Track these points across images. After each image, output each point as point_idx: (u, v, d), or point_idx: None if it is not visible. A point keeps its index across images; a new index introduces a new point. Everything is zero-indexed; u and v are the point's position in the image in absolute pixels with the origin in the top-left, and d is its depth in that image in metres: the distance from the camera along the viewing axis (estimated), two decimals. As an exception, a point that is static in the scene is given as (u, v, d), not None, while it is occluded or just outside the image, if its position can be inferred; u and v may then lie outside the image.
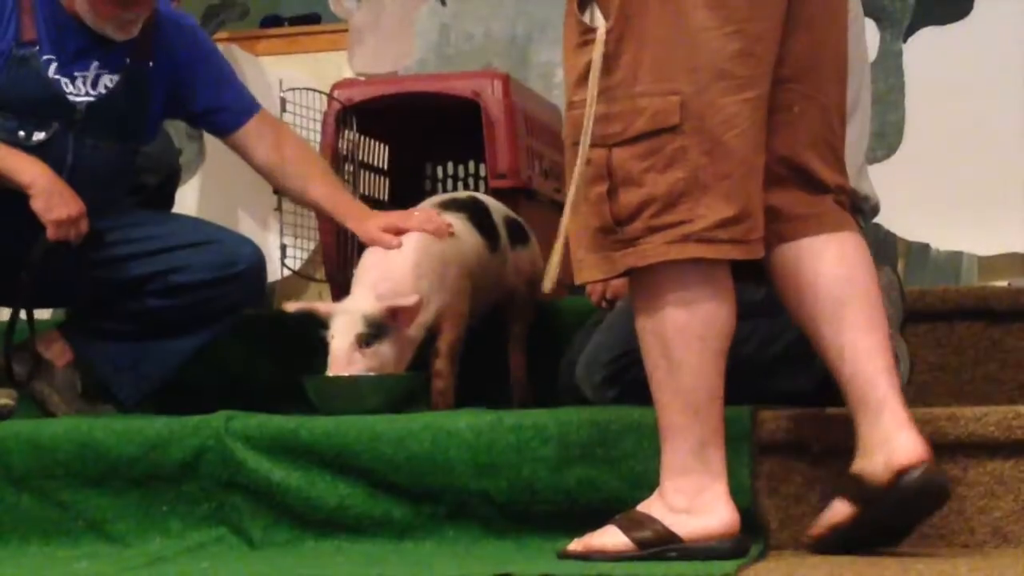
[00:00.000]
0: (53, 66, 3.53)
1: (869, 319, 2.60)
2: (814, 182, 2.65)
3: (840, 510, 2.61)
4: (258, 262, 3.69)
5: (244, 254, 3.66)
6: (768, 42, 2.55)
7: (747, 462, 2.74)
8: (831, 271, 2.61)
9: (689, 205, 2.50)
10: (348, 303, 3.29)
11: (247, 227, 4.93)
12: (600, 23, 2.53)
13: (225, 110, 3.71)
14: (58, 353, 3.71)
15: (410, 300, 3.25)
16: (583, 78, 2.54)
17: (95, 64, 3.56)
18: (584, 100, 2.53)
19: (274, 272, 4.73)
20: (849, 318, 2.59)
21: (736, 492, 2.62)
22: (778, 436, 2.79)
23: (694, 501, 2.55)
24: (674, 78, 2.49)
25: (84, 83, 3.55)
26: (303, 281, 4.80)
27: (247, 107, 3.73)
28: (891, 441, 2.54)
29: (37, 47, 3.52)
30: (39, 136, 3.52)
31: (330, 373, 3.24)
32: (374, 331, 3.23)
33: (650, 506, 2.59)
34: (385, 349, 3.25)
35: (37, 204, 3.43)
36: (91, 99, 3.54)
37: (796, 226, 2.63)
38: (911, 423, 2.55)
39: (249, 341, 3.94)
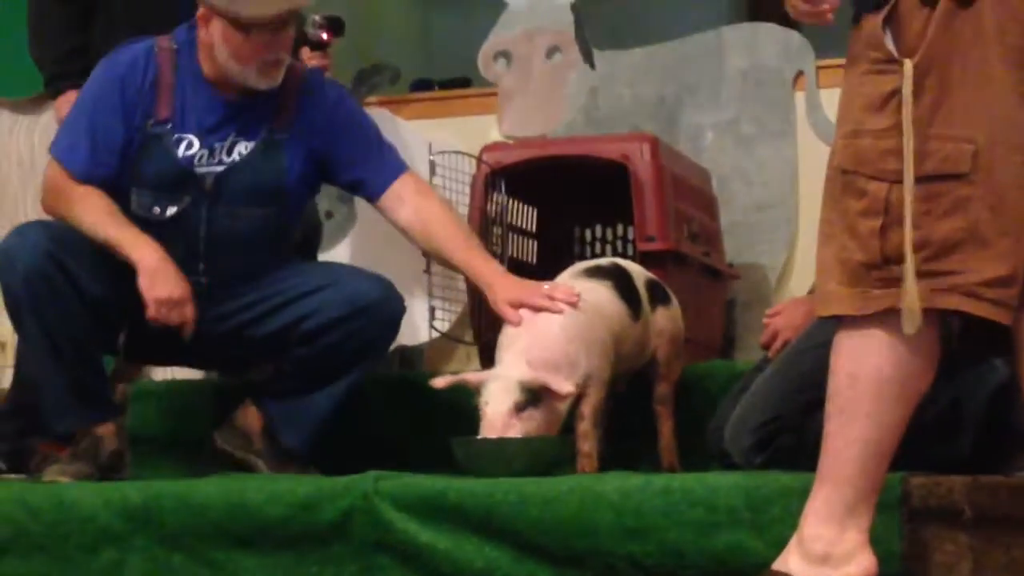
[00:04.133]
0: (185, 142, 3.64)
1: None
2: None
3: None
4: (382, 297, 3.70)
5: (364, 290, 3.69)
6: None
7: (898, 529, 2.70)
8: None
9: (963, 257, 2.44)
10: (501, 369, 3.30)
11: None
12: (892, 49, 2.46)
13: (369, 178, 3.77)
14: (254, 420, 3.79)
15: (564, 388, 3.25)
16: (877, 107, 2.48)
17: (232, 133, 3.67)
18: (875, 131, 2.47)
19: (423, 334, 4.77)
20: None
21: (886, 559, 2.58)
22: (930, 503, 2.75)
23: (834, 548, 2.51)
24: (970, 126, 2.44)
25: (220, 151, 3.65)
26: (452, 343, 4.82)
27: (392, 172, 3.76)
28: None
29: (170, 124, 3.64)
30: (172, 211, 3.65)
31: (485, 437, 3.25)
32: (529, 397, 3.24)
33: (786, 558, 2.56)
34: (539, 415, 3.25)
35: (142, 282, 3.53)
36: (219, 170, 3.64)
37: None
38: None
39: (397, 403, 3.96)
